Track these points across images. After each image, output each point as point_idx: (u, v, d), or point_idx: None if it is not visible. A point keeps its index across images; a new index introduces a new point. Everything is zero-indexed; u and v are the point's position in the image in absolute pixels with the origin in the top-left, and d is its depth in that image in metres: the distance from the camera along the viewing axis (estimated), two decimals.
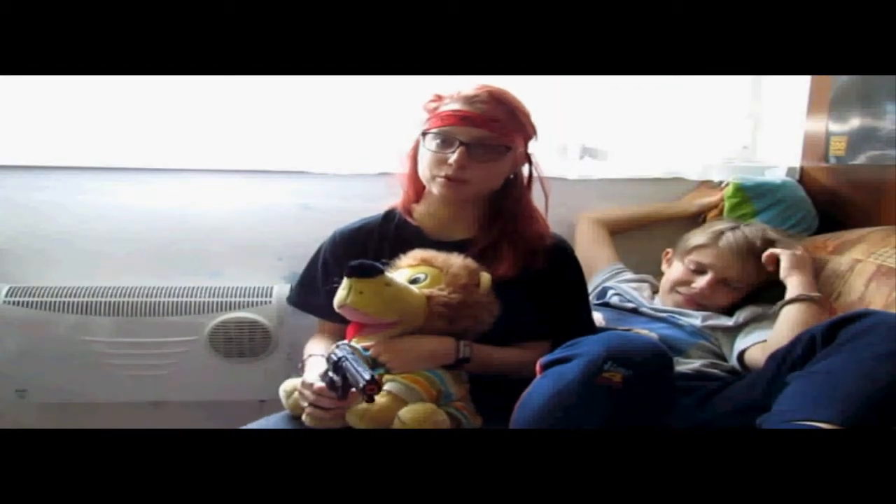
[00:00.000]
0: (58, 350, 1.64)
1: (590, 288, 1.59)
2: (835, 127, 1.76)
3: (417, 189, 1.35)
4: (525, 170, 1.35)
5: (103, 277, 1.72)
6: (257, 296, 1.69)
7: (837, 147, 1.75)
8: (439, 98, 1.28)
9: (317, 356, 1.19)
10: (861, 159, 1.68)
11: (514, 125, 1.27)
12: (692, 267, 1.50)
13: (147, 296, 1.67)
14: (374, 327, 1.11)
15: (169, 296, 1.67)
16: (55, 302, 1.65)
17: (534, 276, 1.27)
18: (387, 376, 1.09)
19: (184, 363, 1.68)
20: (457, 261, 1.18)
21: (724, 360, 1.39)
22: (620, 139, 1.92)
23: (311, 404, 1.07)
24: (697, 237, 1.53)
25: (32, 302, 1.64)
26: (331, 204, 1.75)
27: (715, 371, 1.35)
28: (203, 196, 1.78)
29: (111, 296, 1.66)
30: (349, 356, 0.99)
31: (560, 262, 1.33)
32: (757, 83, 1.98)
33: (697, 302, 1.49)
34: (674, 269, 1.55)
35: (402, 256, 1.22)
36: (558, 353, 1.04)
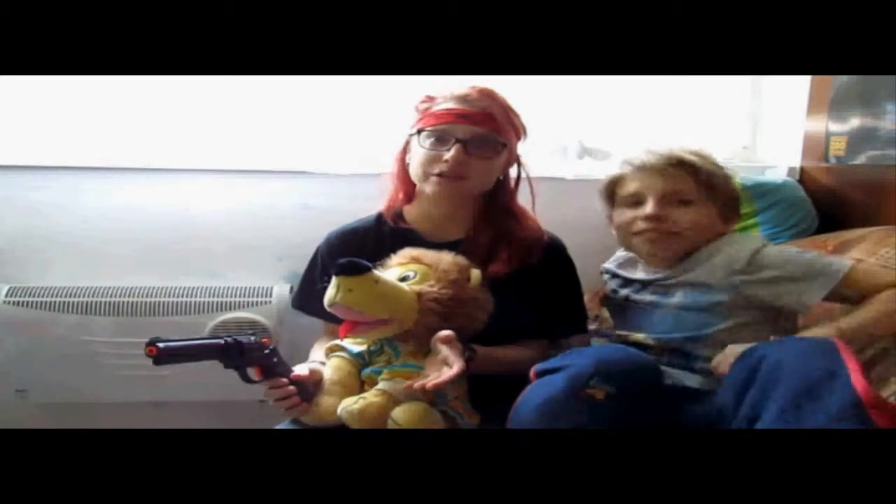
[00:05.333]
0: (58, 350, 1.64)
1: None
2: (835, 127, 1.76)
3: (407, 190, 1.37)
4: (513, 171, 1.37)
5: (103, 277, 1.72)
6: (257, 296, 1.69)
7: (837, 147, 1.74)
8: (431, 99, 1.30)
9: (314, 362, 1.21)
10: (861, 159, 1.67)
11: (506, 121, 1.29)
12: (630, 202, 1.33)
13: (146, 296, 1.67)
14: (366, 325, 1.10)
15: (168, 296, 1.67)
16: (55, 302, 1.64)
17: (527, 275, 1.28)
18: (381, 375, 1.10)
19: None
20: (446, 257, 1.19)
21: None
22: (620, 139, 1.92)
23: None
24: (610, 177, 1.38)
25: (32, 302, 1.64)
26: (331, 204, 1.75)
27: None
28: (203, 196, 1.77)
29: (111, 296, 1.66)
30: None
31: (553, 260, 1.34)
32: (757, 83, 1.98)
33: (664, 230, 1.28)
34: (616, 217, 1.36)
35: (393, 256, 1.22)
36: (552, 363, 1.05)
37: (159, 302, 1.66)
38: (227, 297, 1.68)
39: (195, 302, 1.67)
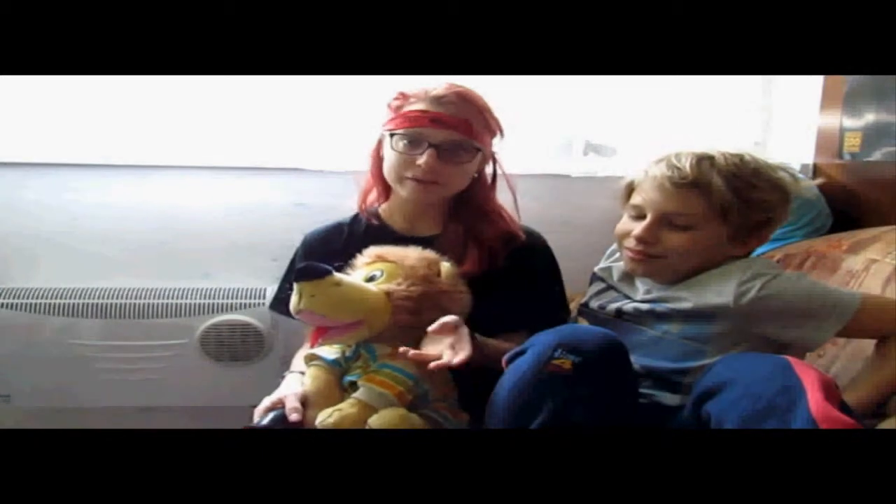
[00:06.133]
0: (44, 354, 1.62)
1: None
2: (849, 122, 1.74)
3: (383, 187, 1.34)
4: (489, 167, 1.34)
5: (90, 278, 1.69)
6: (250, 297, 1.67)
7: (852, 143, 1.73)
8: (404, 97, 1.26)
9: (294, 373, 1.19)
10: (877, 156, 1.66)
11: (482, 125, 1.26)
12: (633, 213, 1.22)
13: (136, 297, 1.64)
14: (337, 330, 1.07)
15: (158, 297, 1.65)
16: (41, 304, 1.62)
17: (504, 270, 1.26)
18: (359, 381, 1.06)
19: (174, 367, 1.65)
20: (412, 253, 1.16)
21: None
22: (627, 135, 1.89)
23: None
24: (628, 181, 1.27)
25: (17, 304, 1.62)
26: (326, 202, 1.71)
27: None
28: (194, 194, 1.75)
29: (98, 297, 1.64)
30: None
31: (529, 255, 1.31)
32: (768, 78, 1.96)
33: (648, 253, 1.18)
34: (619, 223, 1.26)
35: (359, 256, 1.20)
36: (520, 347, 1.04)
37: (148, 304, 1.63)
38: (218, 298, 1.66)
39: (185, 304, 1.64)
